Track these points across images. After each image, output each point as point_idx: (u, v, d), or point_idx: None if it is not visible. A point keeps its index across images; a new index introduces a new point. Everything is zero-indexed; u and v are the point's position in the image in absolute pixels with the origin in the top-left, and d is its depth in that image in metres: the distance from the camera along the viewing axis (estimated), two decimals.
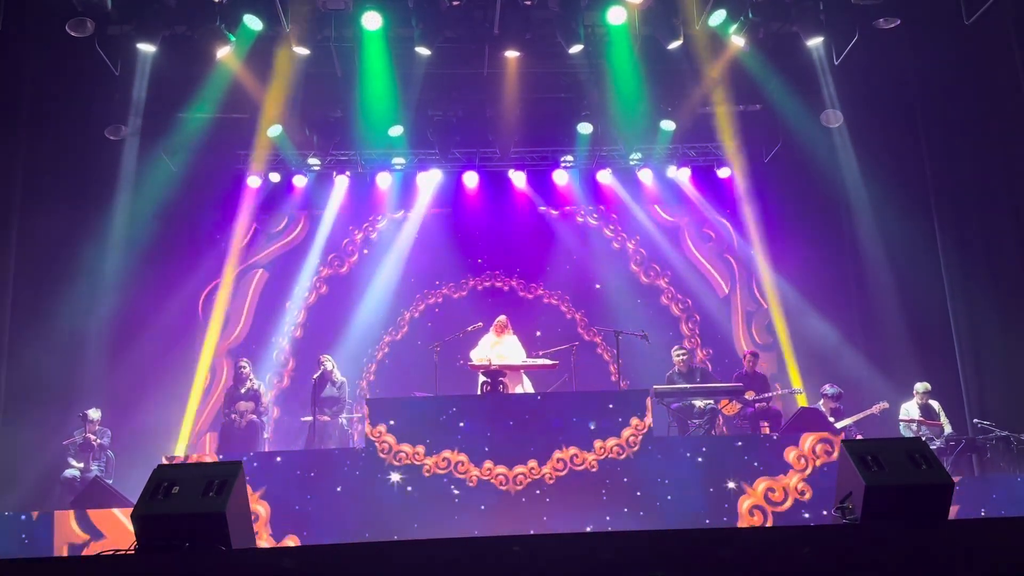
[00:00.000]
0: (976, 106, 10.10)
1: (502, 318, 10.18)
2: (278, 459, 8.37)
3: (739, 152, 12.45)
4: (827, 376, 10.53)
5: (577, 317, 12.61)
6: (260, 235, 12.64)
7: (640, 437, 8.21)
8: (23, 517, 7.97)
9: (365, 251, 12.76)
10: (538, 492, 8.05)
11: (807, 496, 8.08)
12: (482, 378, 9.20)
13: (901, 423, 9.81)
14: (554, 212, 12.96)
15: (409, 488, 8.06)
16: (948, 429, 9.71)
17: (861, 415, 9.84)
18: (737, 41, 10.04)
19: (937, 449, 9.10)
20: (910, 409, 9.84)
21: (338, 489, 8.10)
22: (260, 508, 7.92)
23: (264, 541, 7.79)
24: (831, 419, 9.72)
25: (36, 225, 9.90)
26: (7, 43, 9.21)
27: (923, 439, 8.07)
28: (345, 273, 12.69)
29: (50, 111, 10.06)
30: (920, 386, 9.85)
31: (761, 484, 8.14)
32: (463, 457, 8.12)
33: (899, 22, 9.68)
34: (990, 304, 10.03)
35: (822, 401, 9.99)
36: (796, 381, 11.27)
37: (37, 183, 9.95)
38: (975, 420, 9.71)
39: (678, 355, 10.18)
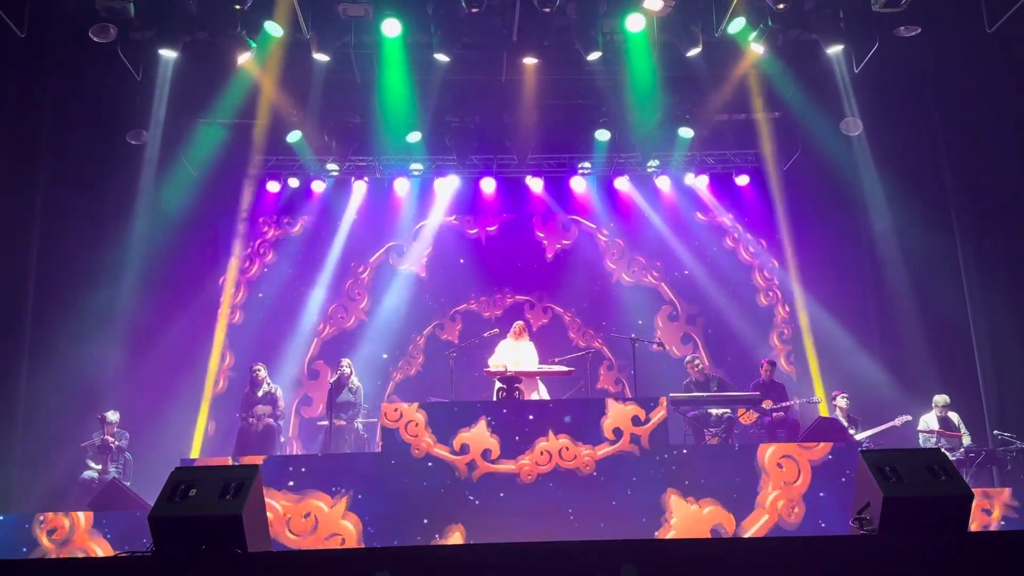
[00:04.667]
0: (997, 115, 10.02)
1: (519, 323, 10.22)
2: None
3: (758, 159, 12.44)
4: (847, 387, 10.43)
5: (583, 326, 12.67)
6: (278, 238, 12.69)
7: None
8: None
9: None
10: (551, 485, 8.39)
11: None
12: (498, 384, 9.22)
13: (920, 434, 9.73)
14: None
15: (425, 483, 8.38)
16: (968, 440, 9.61)
17: (883, 427, 9.76)
18: (756, 49, 10.01)
19: (956, 461, 9.01)
20: (929, 421, 9.76)
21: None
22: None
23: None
24: (851, 430, 9.65)
25: (57, 229, 10.00)
26: (31, 48, 9.31)
27: (942, 451, 8.01)
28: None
29: (72, 115, 10.15)
30: (939, 398, 9.77)
31: None
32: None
33: (920, 30, 9.62)
34: (1011, 315, 9.93)
35: (837, 412, 9.92)
36: (819, 390, 11.21)
37: (59, 187, 10.04)
38: (995, 431, 9.62)
39: (692, 364, 10.15)
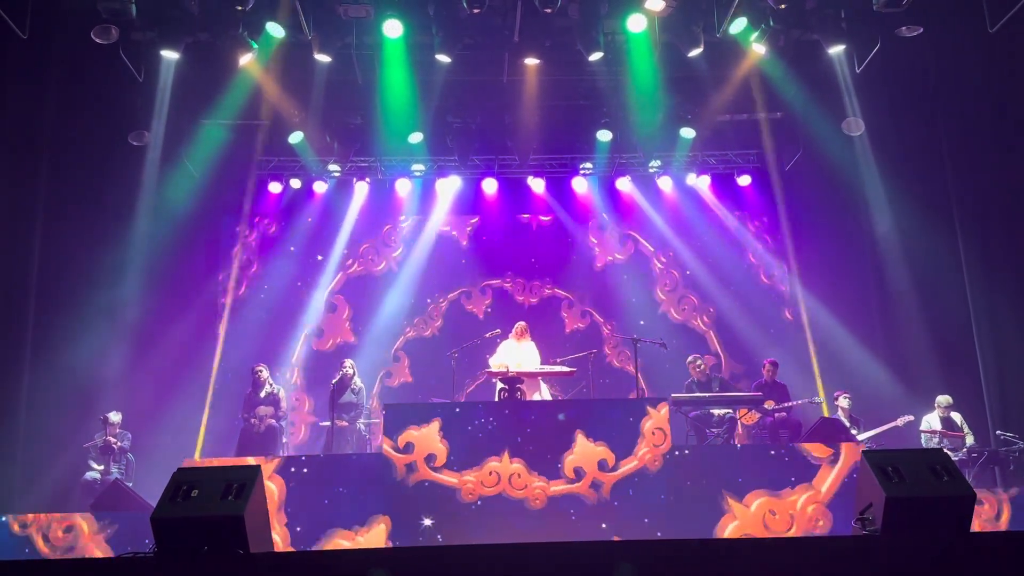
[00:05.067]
0: (999, 115, 10.01)
1: (521, 324, 10.20)
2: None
3: (760, 160, 12.43)
4: (849, 387, 10.41)
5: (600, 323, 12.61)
6: (280, 240, 12.70)
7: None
8: None
9: (382, 257, 12.80)
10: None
11: None
12: (500, 384, 9.20)
13: (922, 434, 9.72)
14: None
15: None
16: (971, 440, 9.60)
17: (885, 427, 9.74)
18: (758, 49, 10.01)
19: (959, 461, 9.00)
20: (932, 421, 9.74)
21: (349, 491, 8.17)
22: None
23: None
24: (853, 430, 9.64)
25: (59, 229, 10.01)
26: (33, 49, 9.33)
27: (944, 451, 8.00)
28: (363, 279, 12.71)
29: (74, 116, 10.16)
30: (942, 399, 9.77)
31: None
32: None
33: (921, 30, 9.62)
34: (1013, 314, 9.93)
35: (839, 412, 9.91)
36: (820, 391, 11.19)
37: (61, 188, 10.06)
38: (998, 432, 9.60)
39: (694, 364, 10.14)
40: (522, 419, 8.31)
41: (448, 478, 8.05)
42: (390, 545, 7.91)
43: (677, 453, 8.27)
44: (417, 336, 12.44)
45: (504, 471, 8.04)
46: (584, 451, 8.11)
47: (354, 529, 7.93)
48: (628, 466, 8.08)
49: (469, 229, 12.86)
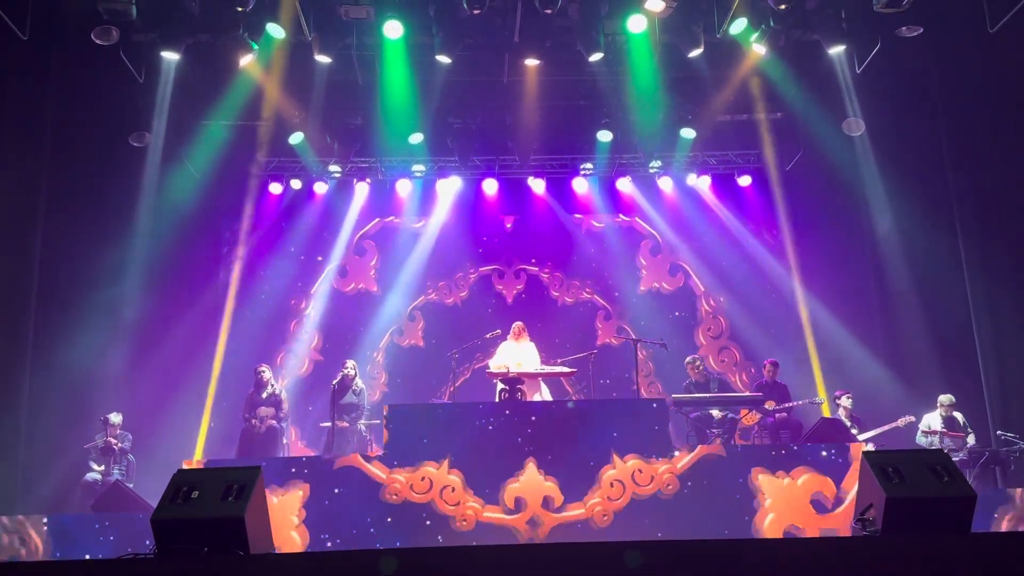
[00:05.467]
0: (1000, 116, 10.02)
1: (518, 324, 10.21)
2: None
3: (760, 160, 12.43)
4: (850, 387, 10.40)
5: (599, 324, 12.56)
6: (280, 240, 12.69)
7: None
8: None
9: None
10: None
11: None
12: (500, 385, 9.21)
13: (921, 434, 9.69)
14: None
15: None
16: (972, 441, 9.58)
17: (886, 428, 9.73)
18: (758, 49, 10.01)
19: (960, 461, 8.99)
20: (932, 421, 9.72)
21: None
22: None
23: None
24: (853, 430, 9.63)
25: (60, 231, 10.03)
26: (33, 50, 9.34)
27: (945, 451, 7.97)
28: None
29: (75, 117, 10.17)
30: (944, 398, 9.73)
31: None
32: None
33: (922, 30, 9.62)
34: (1014, 314, 9.92)
35: (841, 412, 9.91)
36: (821, 392, 11.19)
37: (62, 189, 10.08)
38: (999, 432, 9.60)
39: (693, 365, 10.14)
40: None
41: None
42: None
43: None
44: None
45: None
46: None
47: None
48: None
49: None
